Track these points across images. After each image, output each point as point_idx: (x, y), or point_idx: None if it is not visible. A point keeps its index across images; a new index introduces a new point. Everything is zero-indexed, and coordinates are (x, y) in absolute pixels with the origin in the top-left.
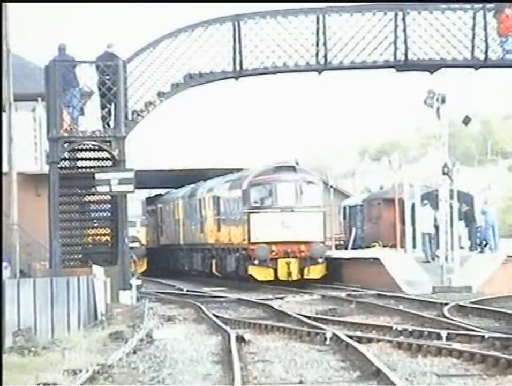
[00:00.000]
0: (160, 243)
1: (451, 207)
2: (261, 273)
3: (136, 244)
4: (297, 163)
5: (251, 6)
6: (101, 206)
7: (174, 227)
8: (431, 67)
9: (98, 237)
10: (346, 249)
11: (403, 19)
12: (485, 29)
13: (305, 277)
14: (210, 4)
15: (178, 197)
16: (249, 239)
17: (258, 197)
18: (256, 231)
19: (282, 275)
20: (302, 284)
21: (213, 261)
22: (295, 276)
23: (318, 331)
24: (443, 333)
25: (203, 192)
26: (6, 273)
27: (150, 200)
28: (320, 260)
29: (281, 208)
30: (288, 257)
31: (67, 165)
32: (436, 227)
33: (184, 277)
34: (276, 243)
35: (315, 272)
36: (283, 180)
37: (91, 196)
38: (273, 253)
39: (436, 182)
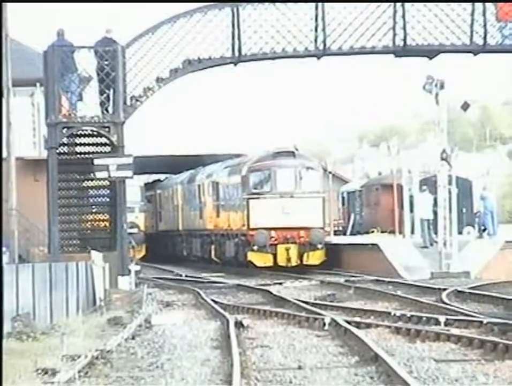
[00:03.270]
0: (159, 228)
1: (449, 192)
2: (260, 259)
3: (135, 230)
4: (296, 149)
5: None
6: (100, 191)
7: (173, 213)
8: (430, 52)
9: (97, 222)
10: (344, 234)
11: (402, 5)
12: (484, 14)
13: (304, 263)
14: None
15: (177, 183)
16: (248, 225)
17: (258, 182)
18: (256, 217)
19: (281, 261)
20: (301, 270)
21: (213, 247)
22: (294, 262)
23: (317, 316)
24: (442, 318)
25: (202, 177)
26: (4, 258)
27: (149, 186)
28: (319, 246)
29: (281, 194)
30: (288, 243)
31: (66, 151)
32: (435, 213)
33: (182, 263)
34: (275, 229)
35: (315, 257)
36: (282, 166)
37: (90, 181)
38: (273, 239)
39: (434, 167)
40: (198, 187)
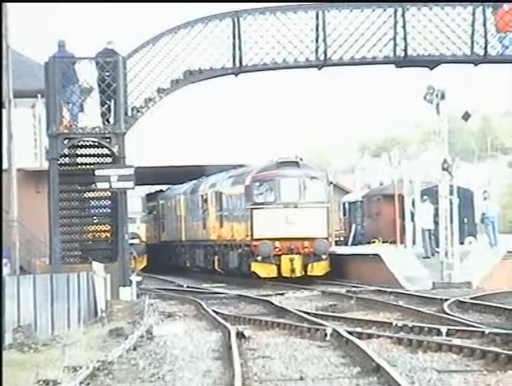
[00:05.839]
0: (161, 239)
1: (451, 202)
2: (264, 270)
3: (136, 241)
4: (300, 159)
5: (251, 2)
6: (101, 202)
7: (175, 223)
8: (430, 63)
9: (98, 233)
10: (346, 245)
11: (402, 15)
12: (484, 24)
13: (309, 273)
14: (209, 2)
15: (180, 193)
16: (252, 235)
17: (262, 192)
18: (259, 227)
19: (285, 272)
20: (302, 281)
21: (216, 257)
22: (298, 272)
23: (319, 327)
24: (443, 328)
25: (206, 188)
26: (5, 270)
27: (151, 196)
28: (324, 257)
29: (285, 204)
30: (292, 253)
31: (67, 162)
32: (436, 223)
33: (184, 274)
34: (279, 239)
35: (319, 268)
36: (286, 176)
37: (91, 192)
38: (277, 249)
39: (435, 177)
40: (202, 198)
